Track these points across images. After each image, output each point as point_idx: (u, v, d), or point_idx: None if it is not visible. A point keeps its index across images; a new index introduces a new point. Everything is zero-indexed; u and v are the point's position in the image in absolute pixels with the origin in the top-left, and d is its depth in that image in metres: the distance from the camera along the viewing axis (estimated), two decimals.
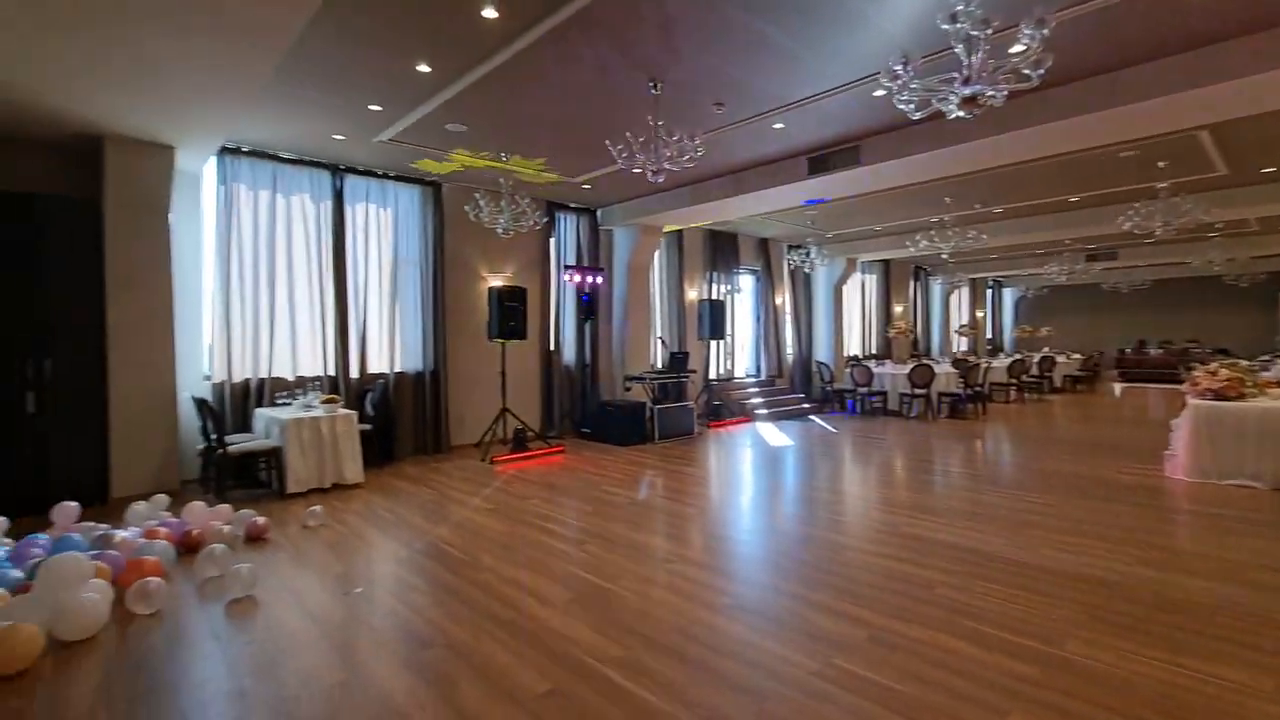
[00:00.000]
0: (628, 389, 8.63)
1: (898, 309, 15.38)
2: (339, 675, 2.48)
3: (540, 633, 2.82)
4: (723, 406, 9.83)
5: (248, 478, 5.89)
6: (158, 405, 5.40)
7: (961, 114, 3.02)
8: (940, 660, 2.52)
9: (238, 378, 6.12)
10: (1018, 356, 14.14)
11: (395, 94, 4.83)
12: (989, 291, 20.48)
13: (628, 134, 4.46)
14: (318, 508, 4.60)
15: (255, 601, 3.22)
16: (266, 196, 6.24)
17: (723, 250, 10.82)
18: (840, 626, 2.83)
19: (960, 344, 18.16)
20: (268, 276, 6.24)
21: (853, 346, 14.04)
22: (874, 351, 14.50)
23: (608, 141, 4.58)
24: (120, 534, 3.78)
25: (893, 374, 10.56)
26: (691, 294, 10.40)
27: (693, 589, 3.30)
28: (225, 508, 4.44)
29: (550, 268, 8.50)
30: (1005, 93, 3.03)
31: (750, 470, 6.42)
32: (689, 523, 4.55)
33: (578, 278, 8.24)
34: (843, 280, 12.80)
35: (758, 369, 11.90)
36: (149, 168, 5.21)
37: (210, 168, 5.95)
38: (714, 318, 9.50)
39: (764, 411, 10.19)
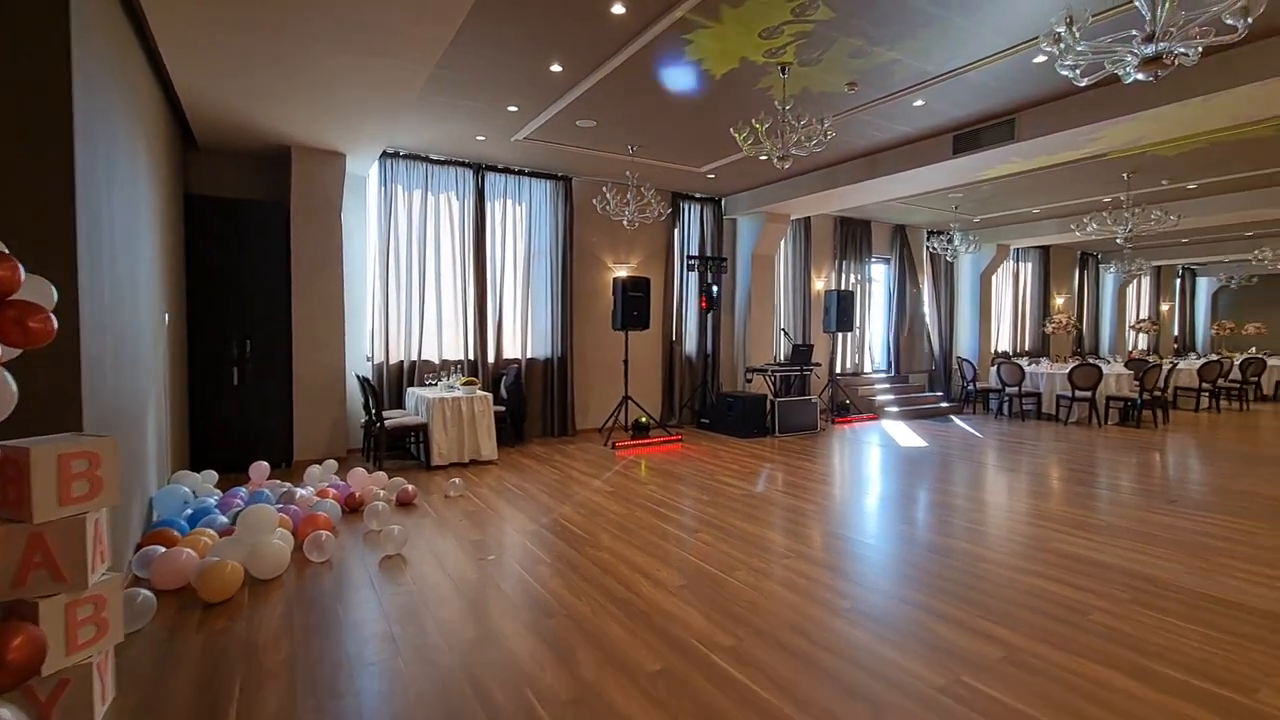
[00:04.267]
0: (748, 381, 8.52)
1: (1059, 301, 13.76)
2: (473, 631, 2.72)
3: (653, 614, 2.89)
4: (849, 402, 9.40)
5: (400, 449, 6.58)
6: (330, 382, 6.17)
7: (1141, 77, 2.63)
8: (1092, 693, 2.26)
9: (394, 359, 6.83)
10: (1213, 357, 12.12)
11: (530, 95, 5.10)
12: (1177, 281, 17.68)
13: (753, 120, 4.37)
14: (457, 480, 5.04)
15: (404, 559, 3.60)
16: (419, 195, 6.87)
17: (854, 238, 10.29)
18: (972, 643, 2.63)
19: (1138, 342, 15.90)
20: (419, 268, 6.88)
21: (1002, 342, 12.79)
22: (1027, 348, 13.12)
23: (732, 130, 4.53)
24: (300, 492, 4.39)
25: (1049, 374, 9.48)
26: (818, 284, 10.01)
27: (810, 587, 3.22)
28: (382, 475, 5.00)
29: (674, 258, 8.58)
30: (1199, 49, 2.60)
31: (877, 470, 6.09)
32: (808, 520, 4.42)
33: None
34: (992, 269, 11.68)
35: (890, 364, 11.23)
36: (325, 173, 5.94)
37: (374, 170, 6.66)
38: (841, 309, 9.10)
39: (895, 409, 9.60)
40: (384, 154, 6.58)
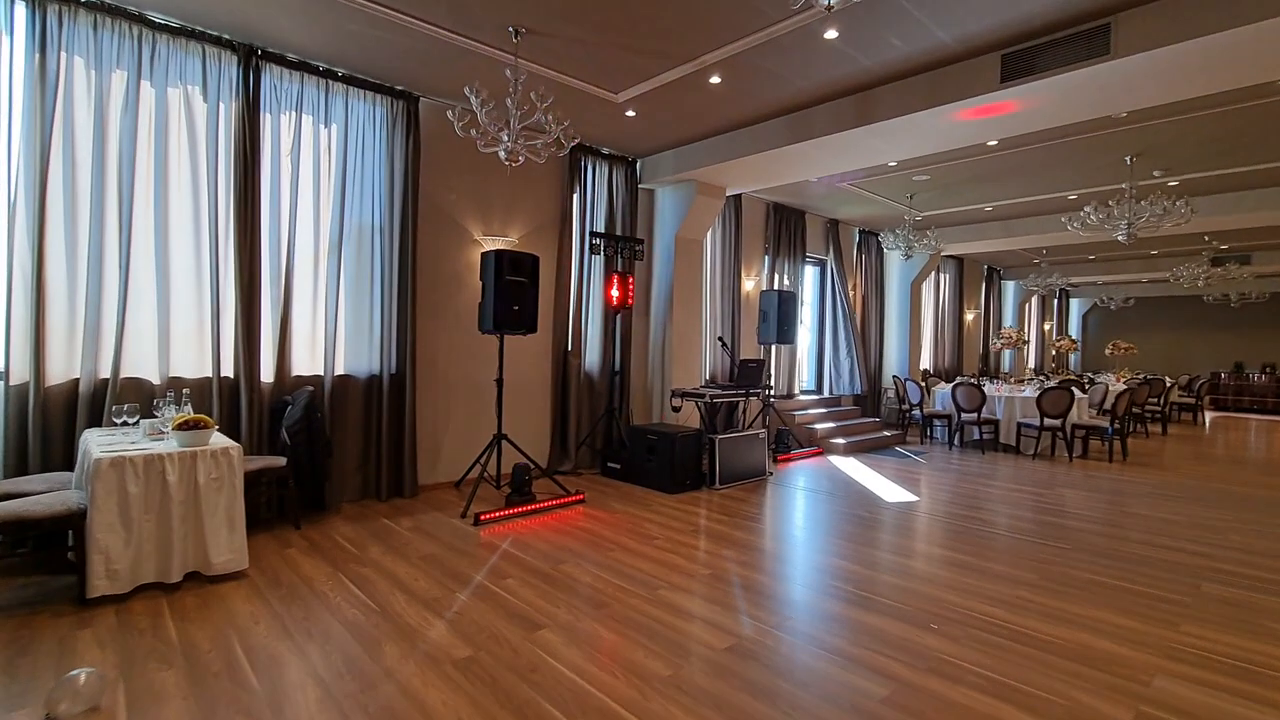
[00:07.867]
0: (675, 409, 6.18)
1: (969, 316, 12.98)
2: None
3: None
4: (789, 434, 7.41)
5: (51, 552, 3.47)
6: None
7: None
8: None
9: (58, 377, 3.69)
10: (1112, 381, 11.77)
11: None
12: (1055, 301, 18.08)
13: None
14: (84, 674, 2.12)
15: None
16: (123, 84, 3.82)
17: (788, 230, 8.39)
18: None
19: (1030, 361, 15.81)
20: (121, 214, 3.82)
21: (923, 359, 11.63)
22: (945, 366, 12.11)
23: None
24: None
25: (1008, 398, 8.12)
26: (749, 284, 7.98)
27: None
28: None
29: (571, 235, 6.07)
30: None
31: (897, 556, 3.97)
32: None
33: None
34: (923, 277, 10.39)
35: (818, 384, 9.48)
36: None
37: (19, 21, 3.55)
38: (783, 314, 7.09)
39: (840, 441, 7.75)
40: None
